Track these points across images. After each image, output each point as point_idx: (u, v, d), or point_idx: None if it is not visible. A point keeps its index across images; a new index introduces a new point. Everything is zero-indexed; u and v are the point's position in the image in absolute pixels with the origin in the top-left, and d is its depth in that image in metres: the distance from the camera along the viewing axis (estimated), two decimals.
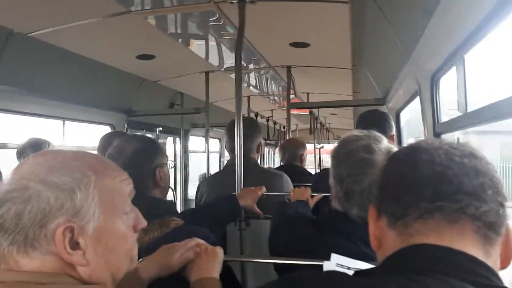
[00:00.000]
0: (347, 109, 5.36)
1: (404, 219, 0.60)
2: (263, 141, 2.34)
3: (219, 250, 1.06)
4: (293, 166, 2.68)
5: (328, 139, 7.82)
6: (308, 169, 3.01)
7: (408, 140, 2.87)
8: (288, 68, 3.18)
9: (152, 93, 3.51)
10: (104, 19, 1.96)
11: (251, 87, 4.23)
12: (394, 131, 1.93)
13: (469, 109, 1.23)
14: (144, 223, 0.75)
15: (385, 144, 1.09)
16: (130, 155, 1.32)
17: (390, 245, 0.62)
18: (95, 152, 2.03)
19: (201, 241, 1.08)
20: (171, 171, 4.16)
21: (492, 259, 0.58)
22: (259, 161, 2.21)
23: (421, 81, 1.67)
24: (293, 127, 7.42)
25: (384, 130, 1.76)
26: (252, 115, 4.83)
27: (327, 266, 0.96)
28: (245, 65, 3.17)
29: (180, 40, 2.46)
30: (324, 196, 1.67)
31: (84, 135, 3.20)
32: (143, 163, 1.33)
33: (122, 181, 0.73)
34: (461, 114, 1.26)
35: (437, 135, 1.56)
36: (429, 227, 0.58)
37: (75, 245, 0.63)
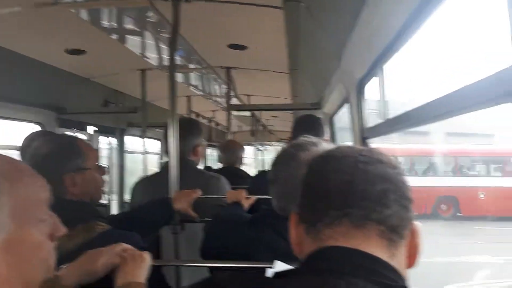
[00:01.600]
0: (288, 112, 5.48)
1: (317, 225, 0.63)
2: (204, 143, 2.31)
3: (147, 255, 1.05)
4: (231, 168, 2.68)
5: (270, 141, 7.93)
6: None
7: (341, 143, 2.99)
8: (228, 69, 3.18)
9: (86, 91, 3.33)
10: (28, 9, 1.82)
11: (191, 87, 4.17)
12: (327, 136, 1.99)
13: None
14: (62, 230, 0.73)
15: (321, 146, 1.11)
16: (40, 159, 1.24)
17: (307, 251, 0.64)
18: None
19: (128, 246, 1.05)
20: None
21: (396, 260, 0.61)
22: (202, 163, 2.18)
23: (349, 88, 1.74)
24: (236, 129, 7.46)
25: (318, 135, 1.82)
26: (193, 115, 4.76)
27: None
28: (184, 64, 3.12)
29: (114, 35, 2.36)
30: (261, 198, 1.68)
31: (9, 133, 2.96)
32: (53, 168, 1.23)
33: (38, 187, 0.70)
34: (382, 121, 1.33)
35: (364, 139, 1.64)
36: (338, 232, 0.61)
37: None
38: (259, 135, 6.70)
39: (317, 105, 2.93)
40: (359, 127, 1.67)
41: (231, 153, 2.81)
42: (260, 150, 7.52)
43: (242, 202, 1.67)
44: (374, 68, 1.37)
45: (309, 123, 1.89)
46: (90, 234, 1.16)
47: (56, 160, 1.26)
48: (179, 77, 3.72)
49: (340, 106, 2.32)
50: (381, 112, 1.31)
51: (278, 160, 1.15)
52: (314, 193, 0.65)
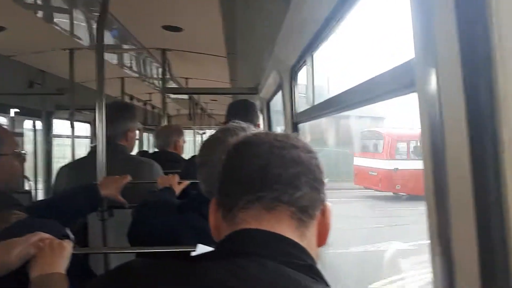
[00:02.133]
0: (228, 96, 5.47)
1: (232, 210, 0.64)
2: (137, 127, 2.23)
3: (67, 244, 1.00)
4: (165, 153, 2.63)
5: (210, 125, 7.88)
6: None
7: (277, 128, 3.06)
8: (163, 51, 3.09)
9: (8, 70, 3.07)
10: None
11: (125, 69, 4.00)
12: (260, 121, 2.03)
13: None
14: None
15: (250, 131, 1.13)
16: None
17: (224, 235, 0.65)
18: None
19: (45, 235, 1.00)
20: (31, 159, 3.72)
21: (307, 240, 0.64)
22: (138, 148, 2.11)
23: (282, 74, 1.77)
24: (174, 112, 7.31)
25: (251, 119, 1.84)
26: (127, 98, 4.58)
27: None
28: (117, 44, 2.98)
29: (38, 12, 2.19)
30: (193, 182, 1.68)
31: None
32: None
33: None
34: (310, 106, 1.38)
35: (294, 124, 1.69)
36: (251, 215, 0.63)
37: None
38: (198, 119, 6.63)
39: (254, 90, 2.95)
40: (290, 112, 1.71)
41: (164, 137, 2.75)
42: (200, 134, 7.44)
43: (173, 187, 1.66)
44: (304, 56, 1.40)
45: (242, 108, 1.91)
46: (3, 224, 1.09)
47: None
48: (112, 58, 3.55)
49: (275, 92, 2.36)
50: (309, 98, 1.36)
51: (207, 145, 1.16)
52: (230, 179, 0.67)
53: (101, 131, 1.73)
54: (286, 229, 0.62)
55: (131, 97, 4.83)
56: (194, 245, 0.84)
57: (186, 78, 4.34)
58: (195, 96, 5.30)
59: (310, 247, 0.64)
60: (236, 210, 0.64)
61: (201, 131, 7.46)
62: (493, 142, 0.38)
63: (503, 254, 0.38)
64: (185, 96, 5.05)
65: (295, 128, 1.65)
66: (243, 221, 0.63)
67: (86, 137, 4.69)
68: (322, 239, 0.68)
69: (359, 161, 13.21)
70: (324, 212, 0.67)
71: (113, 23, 2.44)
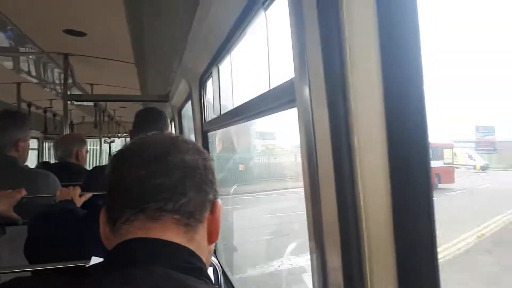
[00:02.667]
0: (138, 104, 5.29)
1: (116, 224, 0.64)
2: (39, 136, 2.07)
3: None
4: (67, 164, 2.47)
5: (118, 133, 7.54)
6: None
7: (190, 135, 3.07)
8: (65, 56, 2.92)
9: None
10: None
11: (22, 74, 3.68)
12: (170, 129, 2.03)
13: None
14: None
15: None
16: None
17: (111, 244, 0.64)
18: None
19: None
20: None
21: (196, 242, 0.65)
22: (37, 157, 1.94)
23: (192, 83, 1.81)
24: (78, 120, 6.85)
25: (161, 128, 1.83)
26: (24, 105, 4.21)
27: None
28: (12, 47, 2.74)
29: None
30: (96, 194, 1.62)
31: None
32: None
33: None
34: (216, 116, 1.44)
35: (204, 132, 1.74)
36: (135, 227, 0.62)
37: None
38: (106, 126, 6.31)
39: (166, 97, 2.94)
40: (200, 121, 1.76)
41: (66, 147, 2.58)
42: (107, 143, 7.09)
43: (74, 200, 1.58)
44: (211, 67, 1.46)
45: (151, 116, 1.89)
46: None
47: None
48: (6, 61, 3.25)
49: (186, 100, 2.39)
50: (216, 107, 1.42)
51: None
52: (112, 192, 0.65)
53: None
54: (174, 236, 0.62)
55: (29, 104, 4.45)
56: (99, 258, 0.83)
57: (92, 84, 4.13)
58: (102, 103, 5.06)
59: (201, 249, 0.65)
60: (121, 223, 0.63)
61: (109, 140, 7.11)
62: (348, 148, 0.48)
63: (357, 243, 0.48)
64: (91, 103, 4.79)
65: (204, 136, 1.70)
66: (128, 233, 0.62)
67: None
68: (213, 236, 0.68)
69: None
70: (213, 211, 0.67)
71: (6, 25, 2.26)
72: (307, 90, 0.55)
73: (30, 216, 1.55)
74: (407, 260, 0.48)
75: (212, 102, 1.66)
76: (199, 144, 1.78)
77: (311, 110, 0.55)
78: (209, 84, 1.71)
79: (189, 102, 2.57)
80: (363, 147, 0.47)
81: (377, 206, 0.46)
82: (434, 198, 0.48)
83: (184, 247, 0.62)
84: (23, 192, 1.56)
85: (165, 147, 0.65)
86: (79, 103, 4.33)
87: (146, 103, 3.90)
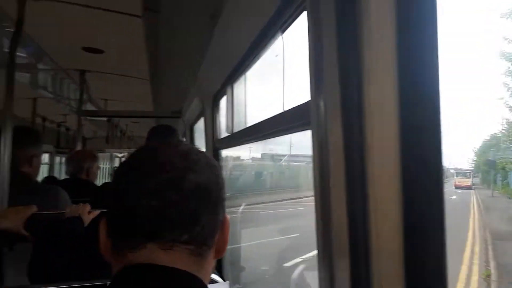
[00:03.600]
0: (150, 119, 5.36)
1: (121, 248, 0.60)
2: (51, 150, 2.12)
3: None
4: (77, 180, 2.51)
5: (130, 147, 7.61)
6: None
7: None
8: (82, 72, 2.99)
9: None
10: None
11: (39, 89, 3.77)
12: None
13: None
14: None
15: None
16: None
17: (114, 267, 0.62)
18: None
19: None
20: None
21: (204, 270, 0.61)
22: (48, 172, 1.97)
23: (205, 100, 1.85)
24: (90, 134, 6.95)
25: None
26: (39, 120, 4.30)
27: None
28: (31, 63, 2.82)
29: None
30: (103, 211, 1.62)
31: None
32: None
33: None
34: (229, 134, 1.47)
35: (216, 150, 1.76)
36: (144, 255, 0.58)
37: None
38: (117, 141, 6.39)
39: (178, 113, 2.98)
40: (211, 138, 1.78)
41: (77, 163, 2.62)
42: (118, 157, 7.16)
43: (83, 216, 1.58)
44: (225, 86, 1.49)
45: (163, 133, 1.91)
46: None
47: None
48: (23, 77, 3.34)
49: (199, 117, 2.42)
50: (229, 126, 1.44)
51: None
52: (118, 215, 0.60)
53: (6, 157, 1.60)
54: (185, 266, 0.59)
55: (44, 119, 4.54)
56: (98, 280, 0.81)
57: (106, 100, 4.21)
58: (114, 118, 5.14)
59: (207, 275, 0.63)
60: (127, 249, 0.59)
61: (120, 154, 7.19)
62: (362, 172, 0.49)
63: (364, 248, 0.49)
64: (103, 118, 4.87)
65: (215, 153, 1.72)
66: (135, 259, 0.58)
67: None
68: (220, 253, 0.65)
69: None
70: (222, 229, 0.64)
71: (26, 41, 2.33)
72: (322, 114, 0.57)
73: (38, 233, 1.56)
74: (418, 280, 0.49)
75: (224, 120, 1.69)
76: None
77: (326, 133, 0.57)
78: (222, 102, 1.75)
79: (201, 118, 2.61)
80: (377, 174, 0.48)
81: (389, 236, 0.47)
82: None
83: (195, 276, 0.59)
84: (34, 208, 1.55)
85: (179, 168, 0.60)
86: (93, 118, 4.40)
87: (159, 118, 3.95)
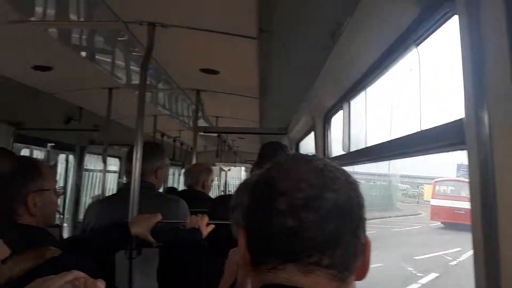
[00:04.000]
0: (254, 135, 5.55)
1: (261, 268, 0.58)
2: (168, 163, 2.30)
3: (101, 283, 1.01)
4: (194, 192, 2.67)
5: (235, 161, 7.95)
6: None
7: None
8: (198, 91, 3.21)
9: (47, 106, 3.24)
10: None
11: (159, 107, 4.16)
12: None
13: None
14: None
15: None
16: (3, 178, 1.20)
17: (252, 280, 0.61)
18: None
19: (81, 274, 1.01)
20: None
21: None
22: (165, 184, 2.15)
23: (316, 118, 1.82)
24: (201, 149, 7.44)
25: None
26: (159, 135, 4.72)
27: None
28: (153, 83, 3.12)
29: (82, 53, 2.34)
30: (220, 223, 1.67)
31: None
32: (12, 187, 1.21)
33: None
34: (345, 152, 1.41)
35: None
36: (282, 276, 0.56)
37: None
38: (225, 155, 6.72)
39: (284, 130, 3.01)
40: (322, 156, 1.74)
41: (194, 176, 2.80)
42: (224, 171, 7.51)
43: (201, 228, 1.64)
44: (341, 102, 1.45)
45: (274, 150, 1.92)
46: (39, 260, 1.11)
47: (19, 179, 1.23)
48: (147, 96, 3.70)
49: (306, 134, 2.40)
50: (345, 144, 1.38)
51: (242, 187, 1.16)
52: (256, 232, 0.59)
53: (137, 169, 1.75)
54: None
55: (162, 134, 4.98)
56: None
57: (217, 117, 4.46)
58: (224, 134, 5.41)
59: None
60: (266, 269, 0.57)
61: (226, 168, 7.54)
62: None
63: None
64: (215, 134, 5.17)
65: None
66: (274, 279, 0.56)
67: (114, 171, 4.81)
68: (360, 277, 0.60)
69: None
70: (364, 252, 0.59)
71: (152, 64, 2.57)
72: (485, 131, 0.49)
73: (160, 240, 1.67)
74: None
75: (337, 137, 1.64)
76: None
77: (490, 154, 0.49)
78: (335, 119, 1.70)
79: (309, 135, 2.59)
80: None
81: None
82: None
83: None
84: (159, 217, 1.65)
85: (315, 186, 0.56)
86: (206, 134, 4.70)
87: (265, 135, 4.05)
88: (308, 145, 2.99)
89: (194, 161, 3.55)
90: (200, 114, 3.60)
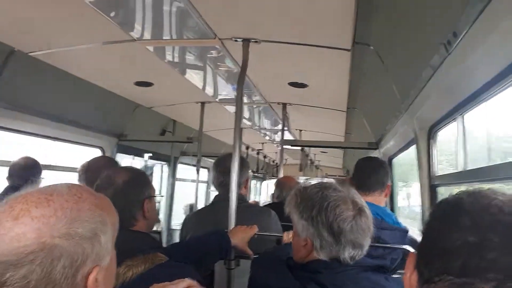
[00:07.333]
0: (337, 149, 5.40)
1: (430, 285, 0.56)
2: (251, 175, 2.32)
3: None
4: (281, 204, 2.65)
5: (316, 175, 7.83)
6: None
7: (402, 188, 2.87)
8: (284, 105, 3.21)
9: (145, 119, 3.49)
10: (106, 44, 1.96)
11: (244, 120, 4.25)
12: (390, 180, 1.90)
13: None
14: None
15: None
16: (120, 185, 1.28)
17: None
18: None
19: (193, 282, 1.04)
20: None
21: None
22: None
23: (418, 131, 1.68)
24: (284, 162, 7.46)
25: (381, 179, 1.70)
26: (244, 147, 4.82)
27: None
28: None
29: (179, 69, 2.47)
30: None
31: (71, 155, 3.13)
32: (132, 194, 1.30)
33: (116, 216, 0.73)
34: (459, 170, 1.27)
35: (433, 187, 1.56)
36: None
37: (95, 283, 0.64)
38: (308, 169, 6.65)
39: (374, 145, 2.87)
40: (427, 173, 1.60)
41: (281, 188, 2.79)
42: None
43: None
44: (451, 115, 1.32)
45: (373, 166, 1.79)
46: (148, 265, 1.16)
47: (138, 186, 1.32)
48: (233, 110, 3.81)
49: (403, 149, 2.25)
50: (460, 162, 1.25)
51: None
52: (433, 249, 0.57)
53: (234, 180, 1.77)
54: None
55: (247, 147, 5.07)
56: None
57: (300, 130, 4.42)
58: (306, 148, 5.36)
59: None
60: (433, 287, 0.55)
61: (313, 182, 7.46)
62: None
63: None
64: (299, 148, 5.14)
65: (433, 191, 1.52)
66: None
67: (203, 181, 5.00)
68: None
69: None
70: None
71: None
72: None
73: (255, 251, 1.66)
74: None
75: (445, 152, 1.50)
76: (426, 199, 1.62)
77: None
78: (442, 133, 1.56)
79: (403, 152, 2.42)
80: None
81: None
82: None
83: None
84: (255, 229, 1.67)
85: (502, 203, 0.54)
86: (287, 146, 4.69)
87: (352, 149, 3.91)
88: (400, 162, 2.81)
89: (281, 175, 3.54)
90: (285, 127, 3.60)
